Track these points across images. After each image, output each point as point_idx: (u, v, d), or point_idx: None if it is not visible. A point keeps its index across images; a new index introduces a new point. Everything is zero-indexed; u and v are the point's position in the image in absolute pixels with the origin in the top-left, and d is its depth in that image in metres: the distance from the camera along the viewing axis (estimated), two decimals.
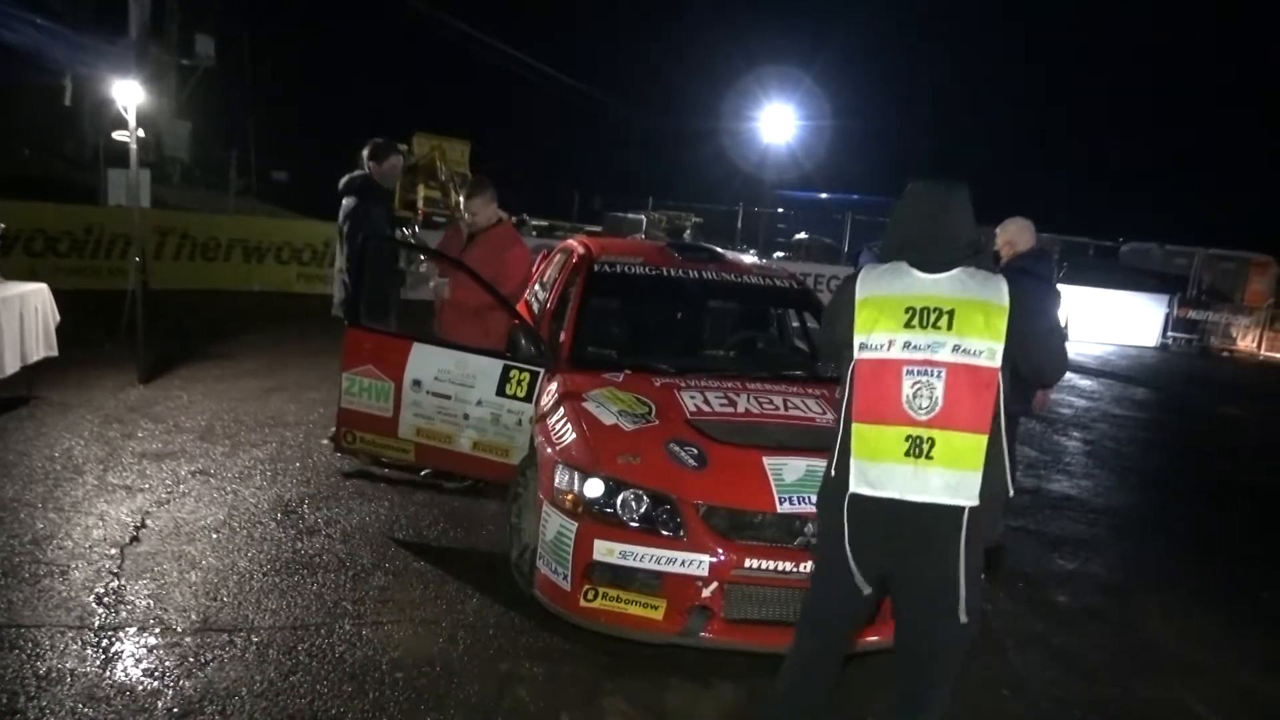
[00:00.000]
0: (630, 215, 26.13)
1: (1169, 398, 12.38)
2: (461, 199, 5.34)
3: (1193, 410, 11.77)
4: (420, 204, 21.35)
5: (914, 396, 2.45)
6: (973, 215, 2.58)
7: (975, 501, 2.44)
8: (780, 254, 24.58)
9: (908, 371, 2.45)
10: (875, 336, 2.49)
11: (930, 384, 2.44)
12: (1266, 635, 4.64)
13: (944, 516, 2.45)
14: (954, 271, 2.51)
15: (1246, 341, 18.32)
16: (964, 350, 2.43)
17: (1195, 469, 8.45)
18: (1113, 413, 10.37)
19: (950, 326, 2.43)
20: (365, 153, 5.88)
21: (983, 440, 2.42)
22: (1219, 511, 6.98)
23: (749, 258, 5.84)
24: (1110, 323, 17.13)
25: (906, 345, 2.46)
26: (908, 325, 2.47)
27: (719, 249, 5.79)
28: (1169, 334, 17.67)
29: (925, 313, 2.46)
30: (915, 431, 2.44)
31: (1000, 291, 2.45)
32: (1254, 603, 5.07)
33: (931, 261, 2.52)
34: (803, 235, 27.48)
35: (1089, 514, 6.40)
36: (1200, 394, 12.99)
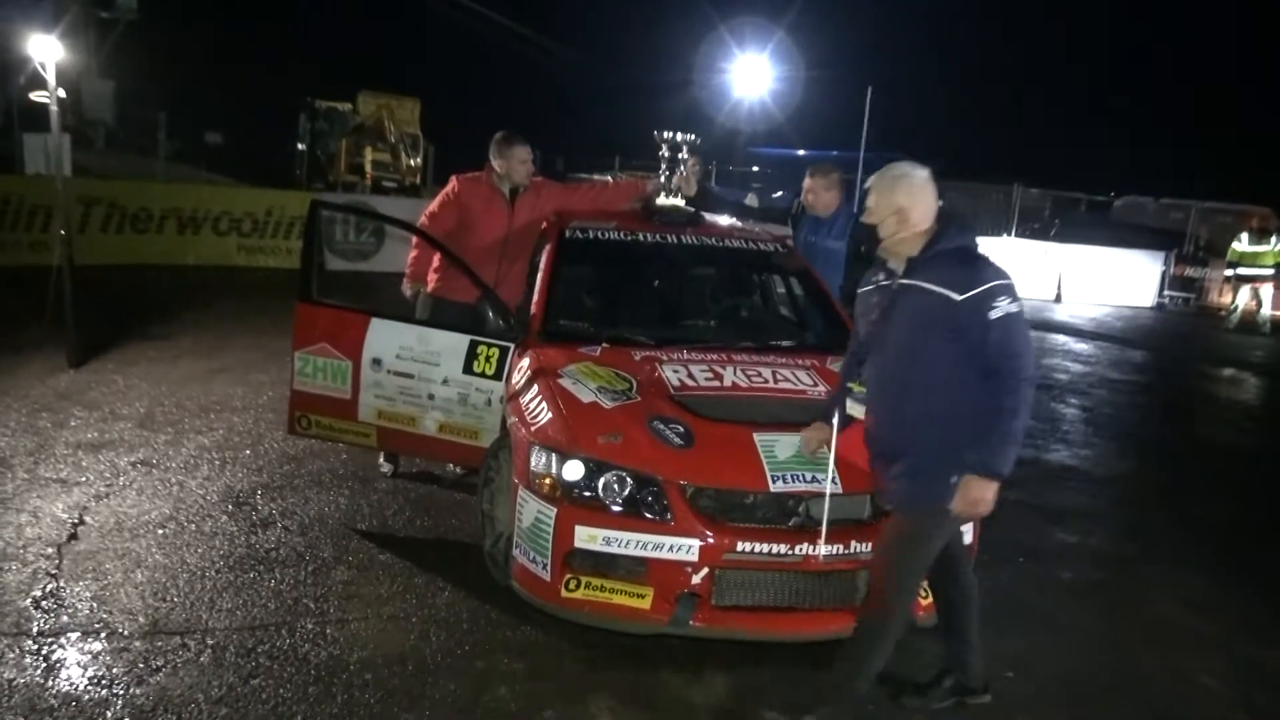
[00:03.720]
0: (596, 176, 25.95)
1: (1168, 360, 12.56)
2: (502, 157, 5.18)
3: (1192, 373, 11.96)
4: (368, 168, 21.05)
5: None
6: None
7: None
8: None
9: None
10: None
11: None
12: (1271, 605, 4.74)
13: None
14: None
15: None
16: None
17: (1196, 435, 8.59)
18: (1110, 378, 10.51)
19: None
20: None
21: None
22: (1222, 479, 7.11)
23: (729, 220, 5.81)
24: (1104, 282, 17.31)
25: None
26: None
27: (698, 211, 5.75)
28: (1166, 293, 17.89)
29: None
30: None
31: None
32: (1258, 572, 5.17)
33: None
34: (780, 194, 27.46)
35: (1090, 484, 6.49)
36: (1199, 356, 13.20)
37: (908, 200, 3.10)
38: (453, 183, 5.33)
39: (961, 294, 2.96)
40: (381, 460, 5.39)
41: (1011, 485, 6.08)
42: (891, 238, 3.16)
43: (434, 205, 5.30)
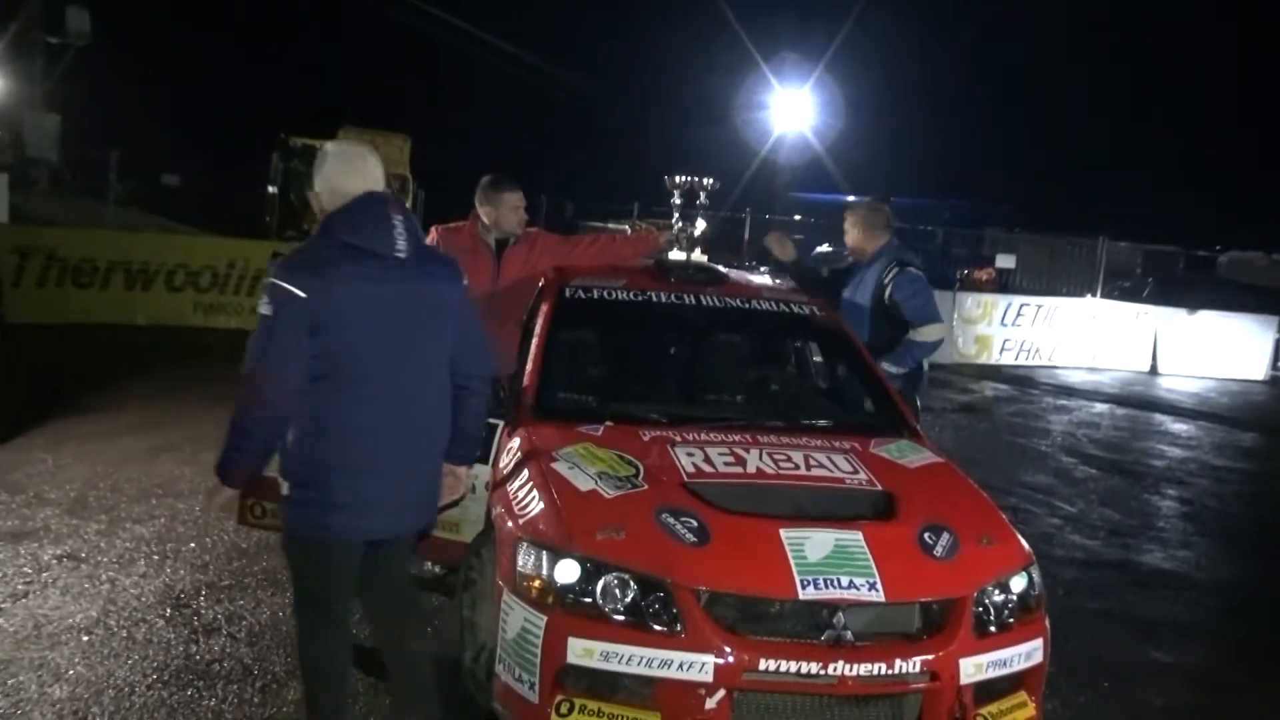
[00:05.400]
0: (611, 226, 26.21)
1: None
2: (490, 204, 5.31)
3: None
4: None
5: None
6: None
7: None
8: None
9: None
10: None
11: None
12: None
13: None
14: None
15: None
16: None
17: None
18: (1214, 464, 10.41)
19: None
20: None
21: None
22: None
23: (759, 278, 5.86)
24: (1207, 351, 17.25)
25: None
26: None
27: (721, 268, 5.80)
28: None
29: None
30: None
31: None
32: None
33: None
34: (825, 248, 27.63)
35: (1188, 592, 6.40)
36: None
37: (319, 184, 3.35)
38: (431, 234, 5.41)
39: None
40: None
41: (1093, 593, 6.04)
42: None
43: None
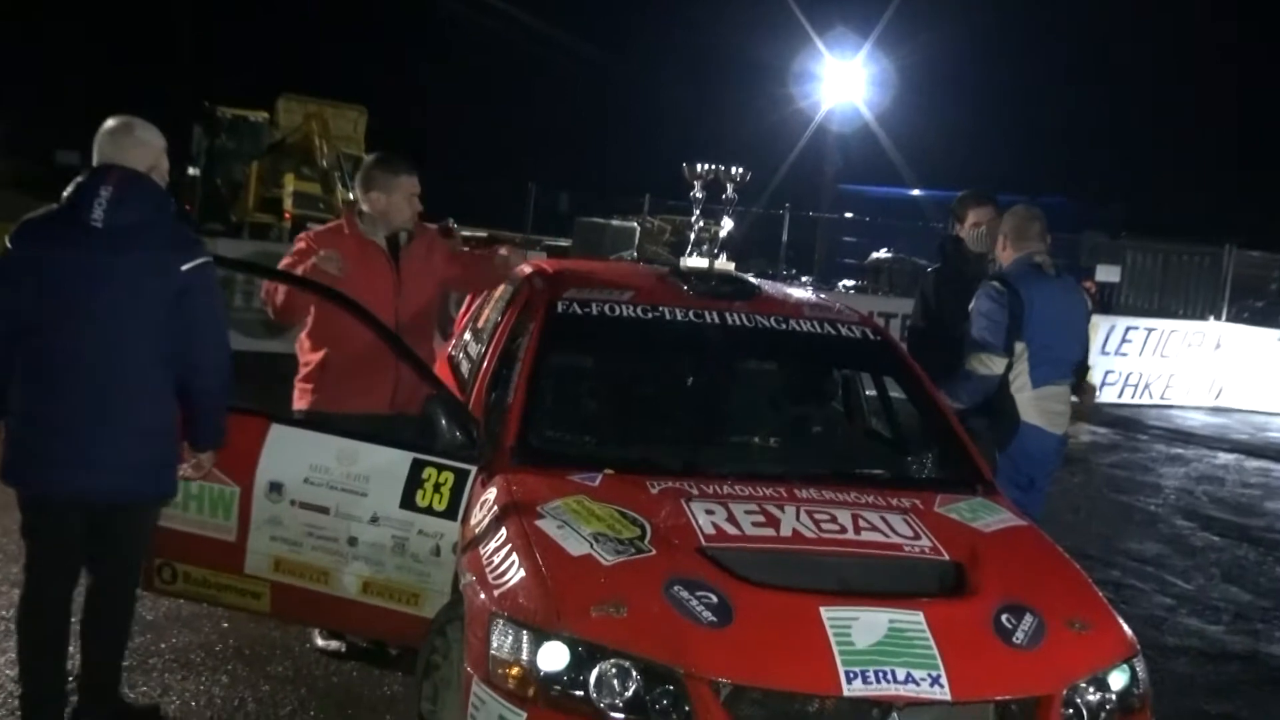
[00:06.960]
0: (616, 222, 26.24)
1: None
2: (380, 189, 5.19)
3: None
4: (288, 203, 21.41)
5: None
6: None
7: None
8: (848, 283, 24.76)
9: None
10: None
11: None
12: None
13: None
14: None
15: None
16: None
17: None
18: None
19: None
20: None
21: None
22: None
23: (800, 291, 5.87)
24: None
25: None
26: None
27: (752, 278, 5.82)
28: None
29: None
30: None
31: None
32: None
33: None
34: (884, 253, 27.77)
35: None
36: None
37: (94, 156, 4.16)
38: (301, 242, 5.29)
39: None
40: (317, 632, 5.39)
41: (1213, 692, 6.01)
42: None
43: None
